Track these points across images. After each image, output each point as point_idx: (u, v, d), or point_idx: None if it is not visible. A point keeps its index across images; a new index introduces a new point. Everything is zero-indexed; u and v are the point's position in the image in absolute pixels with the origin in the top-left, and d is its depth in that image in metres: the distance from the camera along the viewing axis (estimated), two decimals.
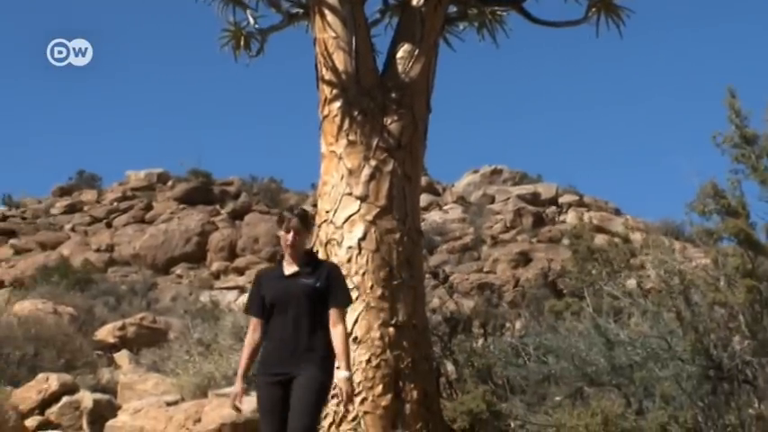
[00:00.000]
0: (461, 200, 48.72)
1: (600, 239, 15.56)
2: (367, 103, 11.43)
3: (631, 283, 11.47)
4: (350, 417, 10.53)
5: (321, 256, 11.25)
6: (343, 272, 10.93)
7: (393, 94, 11.52)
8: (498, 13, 13.07)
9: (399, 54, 11.73)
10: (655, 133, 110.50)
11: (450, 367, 12.30)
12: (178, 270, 42.19)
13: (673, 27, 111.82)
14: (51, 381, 13.67)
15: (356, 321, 10.80)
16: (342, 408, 10.54)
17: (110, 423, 12.67)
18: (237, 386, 8.12)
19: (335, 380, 7.85)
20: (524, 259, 39.89)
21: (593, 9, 12.43)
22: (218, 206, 46.95)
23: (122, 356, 21.28)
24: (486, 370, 11.54)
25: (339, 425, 10.56)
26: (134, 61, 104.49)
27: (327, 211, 11.38)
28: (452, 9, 12.86)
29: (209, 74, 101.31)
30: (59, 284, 30.93)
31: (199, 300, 32.57)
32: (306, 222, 8.18)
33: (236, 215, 46.05)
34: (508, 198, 46.92)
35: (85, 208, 48.89)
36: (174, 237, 43.39)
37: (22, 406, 13.34)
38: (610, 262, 11.30)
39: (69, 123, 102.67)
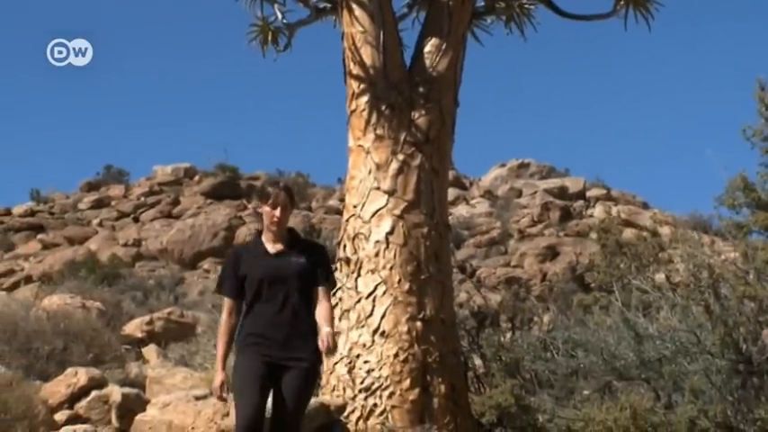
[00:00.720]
0: (488, 194, 48.67)
1: (628, 233, 15.51)
2: (395, 97, 11.45)
3: (660, 277, 11.45)
4: (377, 411, 10.57)
5: (348, 250, 11.30)
6: (371, 266, 11.03)
7: (421, 89, 11.54)
8: (526, 6, 13.04)
9: (427, 48, 11.74)
10: (683, 126, 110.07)
11: (477, 361, 12.31)
12: (205, 264, 42.29)
13: (702, 20, 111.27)
14: (80, 375, 13.71)
15: (384, 315, 10.83)
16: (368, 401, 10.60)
17: (138, 417, 12.71)
18: (219, 376, 7.62)
19: (320, 336, 7.44)
20: (552, 253, 39.82)
21: (622, 2, 12.38)
22: (244, 201, 47.05)
23: (150, 351, 21.34)
24: (514, 364, 11.53)
25: (367, 419, 10.60)
26: (148, 58, 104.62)
27: (355, 206, 11.40)
28: (480, 3, 12.85)
29: (236, 69, 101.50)
30: (87, 279, 31.06)
31: None
32: (292, 197, 7.83)
33: None
34: (535, 192, 46.83)
35: (113, 203, 49.12)
36: (201, 231, 43.49)
37: (51, 400, 13.40)
38: (638, 256, 11.28)
39: (96, 119, 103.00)
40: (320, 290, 7.64)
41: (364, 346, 10.80)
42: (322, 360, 7.72)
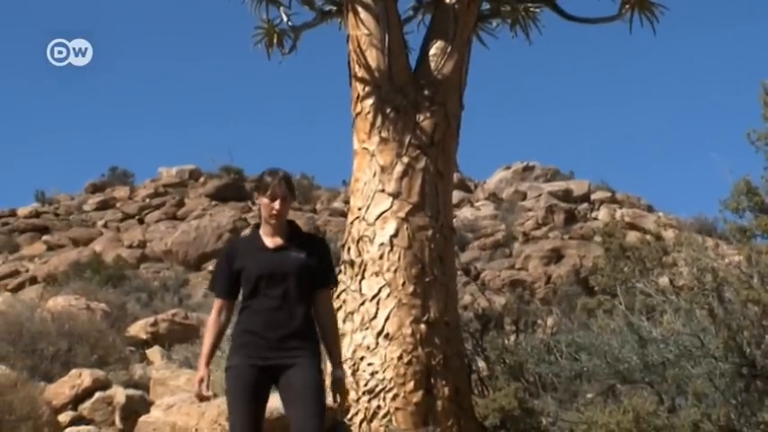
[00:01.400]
0: (493, 196, 48.69)
1: (632, 237, 15.51)
2: (400, 100, 11.46)
3: (664, 280, 11.46)
4: (381, 413, 10.58)
5: (353, 252, 11.31)
6: (375, 268, 11.04)
7: (426, 92, 11.55)
8: (531, 9, 13.06)
9: (432, 51, 11.76)
10: (688, 130, 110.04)
11: (481, 364, 12.32)
12: (210, 266, 42.28)
13: (707, 23, 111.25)
14: (84, 376, 13.75)
15: (388, 318, 10.84)
16: (372, 404, 10.61)
17: (142, 419, 12.73)
18: (202, 370, 7.31)
19: (330, 378, 7.32)
20: (556, 256, 39.85)
21: (627, 5, 12.39)
22: (249, 203, 47.08)
23: (154, 352, 21.38)
24: (517, 367, 11.55)
25: (371, 421, 10.61)
26: (153, 59, 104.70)
27: (360, 208, 11.41)
28: (485, 6, 12.87)
29: (242, 71, 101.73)
30: (92, 280, 31.10)
31: None
32: (292, 188, 7.35)
33: None
34: (540, 195, 46.83)
35: (118, 204, 49.19)
36: (205, 233, 43.52)
37: (55, 401, 13.43)
38: (642, 260, 11.29)
39: (102, 120, 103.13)
40: (323, 292, 7.33)
41: (368, 348, 10.82)
42: (321, 364, 7.34)
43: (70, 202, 50.54)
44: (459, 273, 14.17)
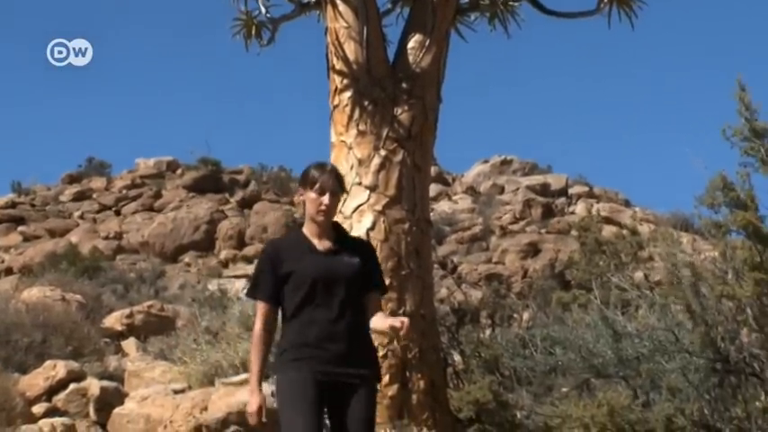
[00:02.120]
0: (471, 190, 48.75)
1: (609, 231, 15.58)
2: (377, 93, 11.45)
3: (639, 275, 11.51)
4: None
5: None
6: None
7: (404, 85, 11.54)
8: (510, 3, 13.05)
9: (410, 44, 11.75)
10: (666, 125, 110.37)
11: (457, 358, 12.35)
12: (186, 258, 42.31)
13: (684, 18, 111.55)
14: (59, 368, 13.75)
15: None
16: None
17: (117, 410, 12.73)
18: (256, 398, 6.31)
19: (375, 321, 6.43)
20: (533, 250, 39.94)
21: (606, 0, 12.42)
22: (227, 194, 47.09)
23: (130, 344, 21.38)
24: (493, 361, 11.57)
25: None
26: (135, 51, 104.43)
27: None
28: None
29: (220, 63, 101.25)
30: (68, 272, 31.05)
31: (207, 288, 32.64)
32: (342, 182, 6.65)
33: (246, 204, 46.18)
34: (518, 188, 46.92)
35: (94, 195, 49.05)
36: (182, 225, 43.48)
37: (29, 393, 13.43)
38: (617, 254, 11.34)
39: (78, 111, 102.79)
40: (375, 298, 6.58)
41: None
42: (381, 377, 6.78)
43: (47, 192, 50.34)
44: (435, 266, 14.18)
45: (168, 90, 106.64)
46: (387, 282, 10.69)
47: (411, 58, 11.67)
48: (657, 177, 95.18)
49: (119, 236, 44.05)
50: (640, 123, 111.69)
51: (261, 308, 6.44)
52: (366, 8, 11.63)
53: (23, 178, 51.90)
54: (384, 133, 11.33)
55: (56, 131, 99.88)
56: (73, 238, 42.84)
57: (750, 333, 9.73)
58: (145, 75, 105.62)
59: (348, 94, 11.54)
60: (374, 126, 11.35)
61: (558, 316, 12.10)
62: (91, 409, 13.24)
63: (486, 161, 52.09)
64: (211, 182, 48.14)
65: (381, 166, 11.24)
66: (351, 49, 11.58)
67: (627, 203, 47.07)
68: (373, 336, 6.63)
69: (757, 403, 9.48)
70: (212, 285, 33.25)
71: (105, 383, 13.77)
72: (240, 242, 43.28)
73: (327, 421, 6.44)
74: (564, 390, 11.02)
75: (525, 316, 14.18)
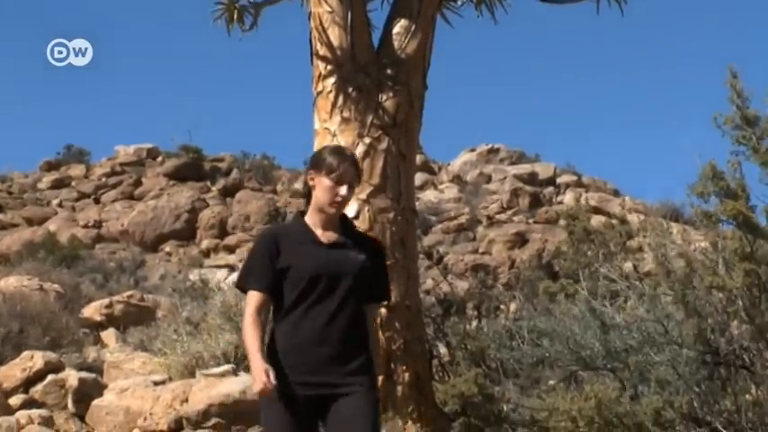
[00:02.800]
0: (457, 179, 48.72)
1: (598, 221, 15.60)
2: (362, 79, 11.43)
3: (628, 265, 11.52)
4: None
5: None
6: None
7: (389, 71, 11.52)
8: None
9: (396, 29, 11.71)
10: (657, 113, 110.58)
11: (442, 350, 12.36)
12: (167, 247, 42.25)
13: (677, 6, 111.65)
14: (36, 359, 13.71)
15: None
16: None
17: (95, 402, 12.71)
18: (260, 364, 5.59)
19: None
20: (521, 240, 39.97)
21: None
22: (208, 183, 47.03)
23: (109, 335, 21.35)
24: (479, 353, 11.58)
25: None
26: (123, 43, 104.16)
27: None
28: None
29: (202, 48, 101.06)
30: (46, 261, 31.02)
31: (188, 278, 32.62)
32: (360, 174, 6.22)
33: (228, 192, 46.13)
34: (505, 177, 46.92)
35: (73, 183, 48.94)
36: (163, 213, 43.42)
37: (5, 384, 13.38)
38: (606, 244, 11.33)
39: (57, 98, 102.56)
40: (372, 308, 6.12)
41: None
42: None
43: (24, 180, 50.19)
44: (421, 256, 14.16)
45: (149, 76, 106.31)
46: None
47: (396, 44, 11.64)
48: (647, 166, 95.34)
49: (98, 224, 43.98)
50: (630, 111, 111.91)
51: (252, 298, 5.85)
52: None
53: (0, 165, 51.76)
54: (368, 120, 11.31)
55: (33, 118, 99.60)
56: (51, 226, 42.75)
57: (740, 325, 9.73)
58: (138, 67, 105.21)
59: (332, 80, 11.51)
60: (358, 113, 11.33)
61: (546, 307, 12.09)
62: (69, 401, 13.20)
63: (472, 150, 52.04)
64: (193, 170, 48.05)
65: (366, 154, 11.22)
66: (335, 35, 11.54)
67: (616, 193, 47.13)
68: None
69: (747, 396, 9.50)
70: (193, 275, 33.23)
71: (84, 375, 13.73)
72: (222, 231, 43.23)
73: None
74: (551, 382, 11.04)
75: (512, 307, 14.19)
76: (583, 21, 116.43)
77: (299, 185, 45.51)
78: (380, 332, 10.68)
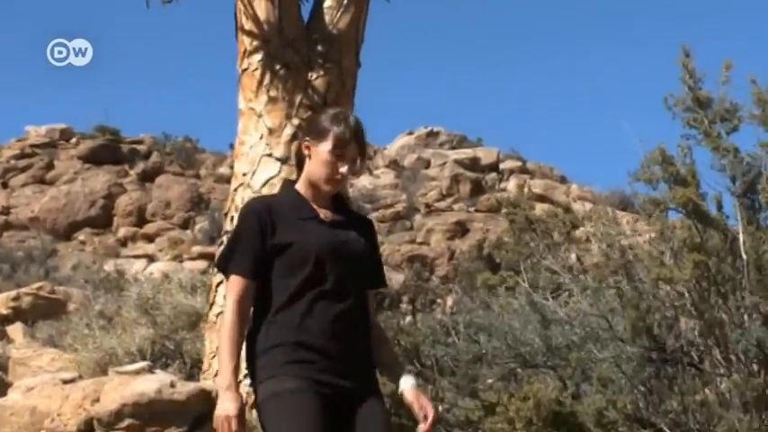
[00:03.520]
0: (394, 164, 48.82)
1: (543, 209, 15.70)
2: (290, 56, 11.42)
3: (572, 257, 11.59)
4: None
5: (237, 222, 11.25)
6: None
7: (319, 47, 11.51)
8: None
9: (327, 3, 11.70)
10: (608, 97, 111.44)
11: None
12: (81, 236, 41.99)
13: None
14: None
15: None
16: None
17: None
18: (232, 400, 4.92)
19: (408, 391, 5.41)
20: (461, 230, 40.17)
21: None
22: (126, 166, 46.74)
23: (16, 329, 21.21)
24: (413, 349, 11.60)
25: (252, 407, 10.57)
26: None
27: (244, 174, 11.36)
28: None
29: (119, 23, 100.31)
30: None
31: (103, 268, 32.47)
32: (365, 150, 5.45)
33: (147, 176, 45.89)
34: (445, 163, 47.08)
35: None
36: (77, 199, 43.14)
37: None
38: (549, 234, 11.38)
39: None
40: (372, 297, 5.50)
41: None
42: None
43: None
44: None
45: None
46: None
47: (327, 19, 11.63)
48: (597, 152, 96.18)
49: (6, 211, 43.59)
50: (579, 95, 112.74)
51: (235, 284, 5.15)
52: None
53: None
54: (297, 100, 11.30)
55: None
56: None
57: (689, 320, 9.81)
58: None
59: (258, 56, 11.49)
60: (286, 92, 11.32)
61: (484, 300, 12.16)
62: None
63: (410, 133, 52.18)
64: (109, 152, 47.73)
65: (294, 136, 11.20)
66: (261, 8, 11.52)
67: (563, 180, 47.49)
68: None
69: (697, 396, 9.57)
70: (109, 266, 33.12)
71: None
72: (140, 219, 43.05)
73: None
74: (489, 381, 11.09)
75: (449, 301, 14.27)
76: (530, 1, 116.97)
77: (224, 170, 45.44)
78: None
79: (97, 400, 11.43)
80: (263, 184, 11.16)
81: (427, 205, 43.04)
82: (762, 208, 9.52)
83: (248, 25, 11.57)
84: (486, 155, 48.44)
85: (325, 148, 5.27)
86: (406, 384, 5.38)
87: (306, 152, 5.38)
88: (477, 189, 44.84)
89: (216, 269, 6.06)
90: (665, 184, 9.51)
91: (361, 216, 5.80)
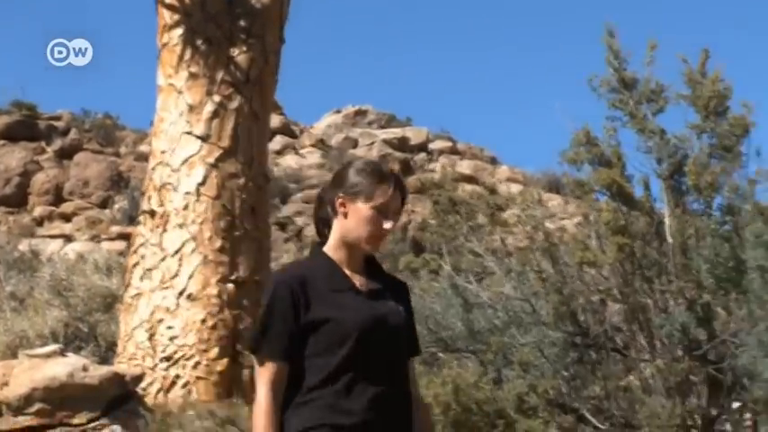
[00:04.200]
0: (321, 143, 48.73)
1: (470, 191, 15.78)
2: (212, 30, 11.44)
3: (496, 239, 11.68)
4: (180, 382, 10.61)
5: (154, 201, 11.25)
6: (179, 220, 11.01)
7: (242, 22, 11.54)
8: None
9: None
10: (538, 76, 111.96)
11: None
12: None
13: None
14: None
15: (191, 276, 10.87)
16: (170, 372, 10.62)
17: None
18: None
19: None
20: None
21: None
22: (43, 143, 46.16)
23: None
24: None
25: (168, 391, 10.63)
26: None
27: (163, 152, 11.38)
28: None
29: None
30: None
31: (17, 249, 32.15)
32: (405, 198, 4.98)
33: (65, 154, 45.39)
34: (373, 142, 47.09)
35: None
36: None
37: None
38: (473, 215, 11.43)
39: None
40: (411, 364, 5.01)
41: (168, 309, 10.83)
42: None
43: None
44: (276, 227, 14.25)
45: None
46: (218, 244, 10.81)
47: None
48: (530, 133, 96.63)
49: None
50: (510, 74, 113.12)
51: (269, 370, 4.75)
52: None
53: None
54: (218, 77, 11.34)
55: None
56: None
57: (613, 304, 9.90)
58: None
59: (179, 31, 11.50)
60: (207, 68, 11.35)
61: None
62: None
63: (338, 111, 52.11)
64: (25, 128, 47.13)
65: (215, 114, 11.26)
66: None
67: (493, 161, 47.66)
68: None
69: (620, 382, 9.67)
70: (23, 246, 32.76)
71: None
72: (57, 197, 42.61)
73: None
74: None
75: None
76: None
77: (144, 148, 45.18)
78: (227, 310, 10.75)
79: (6, 384, 11.38)
80: (183, 163, 11.19)
81: None
82: (688, 191, 9.57)
83: None
84: (415, 134, 48.51)
85: (366, 204, 4.81)
86: None
87: (341, 210, 4.87)
88: (406, 169, 44.84)
89: (247, 350, 5.89)
90: (589, 166, 9.57)
91: (396, 279, 5.19)
